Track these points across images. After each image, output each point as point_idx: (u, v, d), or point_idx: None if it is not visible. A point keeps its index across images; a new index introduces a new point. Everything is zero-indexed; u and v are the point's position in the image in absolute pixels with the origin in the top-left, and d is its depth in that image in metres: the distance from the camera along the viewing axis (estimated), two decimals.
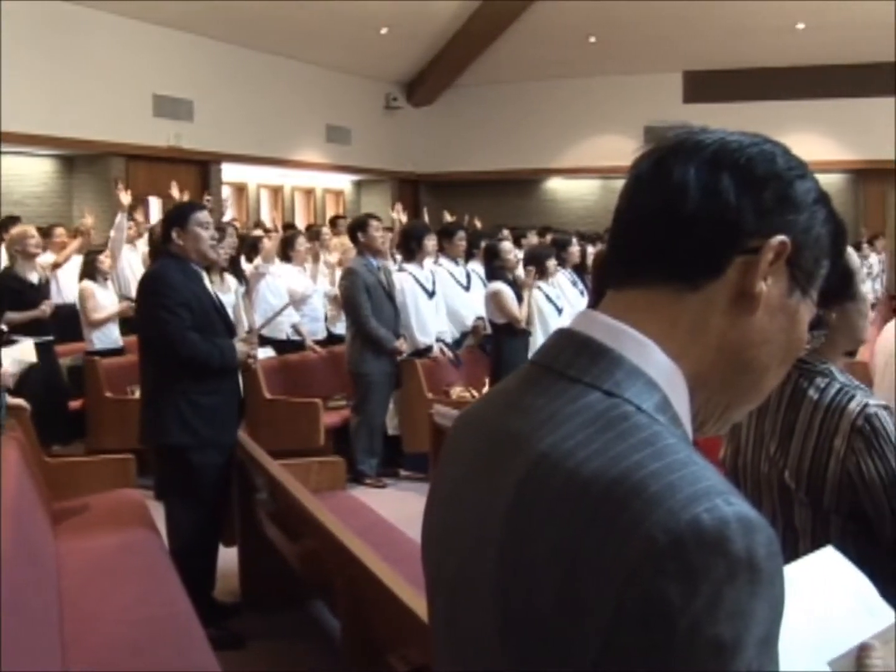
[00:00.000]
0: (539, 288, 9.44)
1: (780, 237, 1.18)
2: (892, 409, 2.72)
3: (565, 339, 1.23)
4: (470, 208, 18.62)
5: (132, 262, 11.43)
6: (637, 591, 0.98)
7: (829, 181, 20.32)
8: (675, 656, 0.97)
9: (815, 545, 2.52)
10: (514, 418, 1.19)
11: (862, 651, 1.27)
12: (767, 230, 1.18)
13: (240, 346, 5.77)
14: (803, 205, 1.21)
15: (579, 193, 22.83)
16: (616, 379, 1.14)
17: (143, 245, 11.56)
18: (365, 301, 8.89)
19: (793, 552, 2.55)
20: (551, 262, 9.74)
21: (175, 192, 11.91)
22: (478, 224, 16.06)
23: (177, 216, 5.77)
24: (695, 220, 1.18)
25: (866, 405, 2.61)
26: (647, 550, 0.98)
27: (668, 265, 1.19)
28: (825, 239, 1.24)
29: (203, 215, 5.72)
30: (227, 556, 6.11)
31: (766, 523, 1.02)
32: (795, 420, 2.72)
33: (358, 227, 9.30)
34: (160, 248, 5.83)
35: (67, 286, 10.87)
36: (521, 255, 10.29)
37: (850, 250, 2.78)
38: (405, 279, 9.43)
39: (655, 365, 1.16)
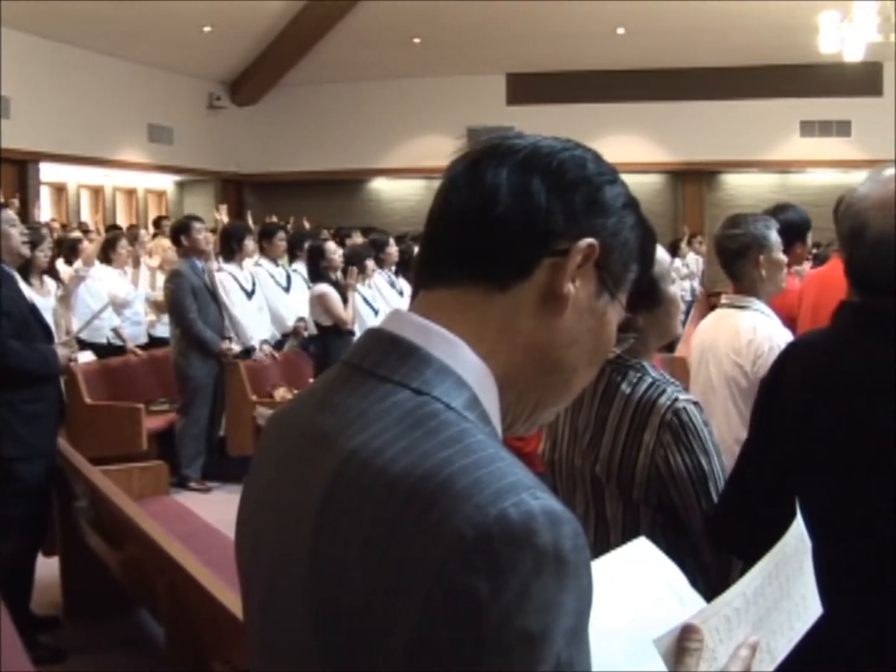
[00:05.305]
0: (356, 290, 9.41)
1: (589, 240, 1.20)
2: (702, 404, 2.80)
3: (375, 339, 1.23)
4: (295, 209, 18.51)
5: None
6: (445, 586, 0.99)
7: (649, 182, 20.84)
8: (484, 650, 0.98)
9: (626, 536, 2.58)
10: (323, 418, 1.19)
11: (684, 632, 1.30)
12: (576, 233, 1.20)
13: (61, 351, 5.58)
14: (612, 209, 1.24)
15: (404, 193, 22.87)
16: (425, 377, 1.15)
17: None
18: (191, 304, 8.79)
19: (604, 544, 2.61)
20: (370, 263, 9.74)
21: None
22: (306, 224, 15.96)
23: None
24: (505, 222, 1.19)
25: (676, 399, 2.67)
26: (455, 546, 0.99)
27: (478, 266, 1.21)
28: (634, 243, 1.27)
29: (7, 213, 5.41)
30: (48, 567, 5.96)
31: (573, 516, 1.04)
32: (608, 414, 2.77)
33: (181, 230, 9.20)
34: None
35: None
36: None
37: (658, 254, 2.85)
38: (225, 279, 9.34)
39: (464, 364, 1.18)
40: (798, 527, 1.53)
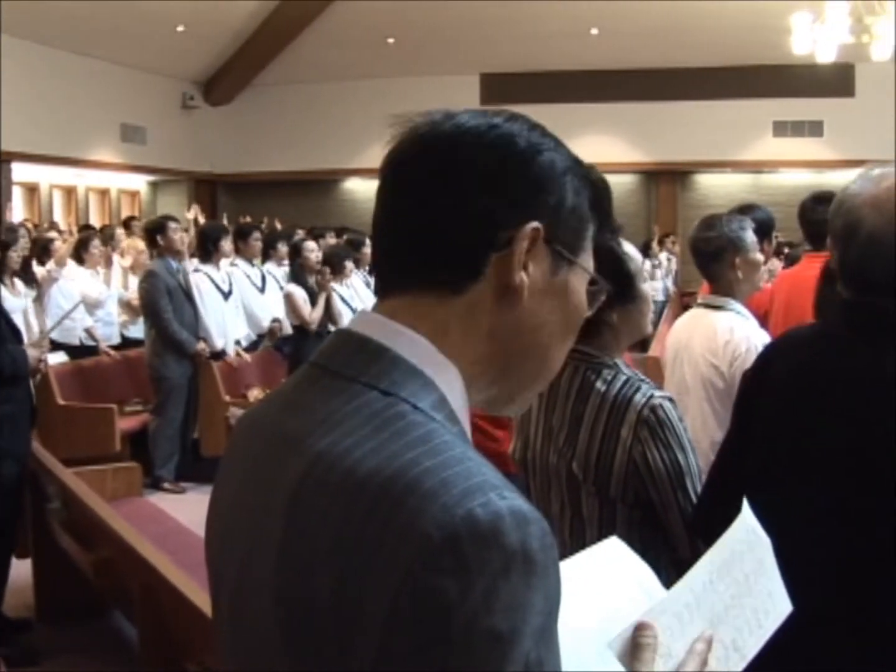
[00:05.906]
0: (333, 290, 9.41)
1: (531, 224, 1.17)
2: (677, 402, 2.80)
3: (343, 340, 1.22)
4: (269, 209, 18.47)
5: None
6: (413, 587, 0.99)
7: (623, 182, 20.86)
8: (452, 651, 0.98)
9: (602, 533, 2.59)
10: (291, 419, 1.19)
11: (638, 630, 1.30)
12: (517, 219, 1.17)
13: (30, 352, 5.54)
14: (549, 182, 1.21)
15: None
16: (393, 378, 1.14)
17: None
18: (166, 304, 8.76)
19: (581, 541, 2.62)
20: (349, 263, 9.72)
21: None
22: (278, 225, 15.91)
23: None
24: (442, 224, 1.18)
25: (652, 396, 2.68)
26: (423, 547, 0.99)
27: (426, 272, 1.19)
28: (583, 205, 1.24)
29: None
30: (21, 569, 5.92)
31: (540, 516, 1.04)
32: (583, 411, 2.77)
33: (156, 230, 9.18)
34: None
35: None
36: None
37: (632, 253, 2.87)
38: (201, 280, 9.31)
39: (432, 364, 1.17)
40: (745, 522, 1.53)
